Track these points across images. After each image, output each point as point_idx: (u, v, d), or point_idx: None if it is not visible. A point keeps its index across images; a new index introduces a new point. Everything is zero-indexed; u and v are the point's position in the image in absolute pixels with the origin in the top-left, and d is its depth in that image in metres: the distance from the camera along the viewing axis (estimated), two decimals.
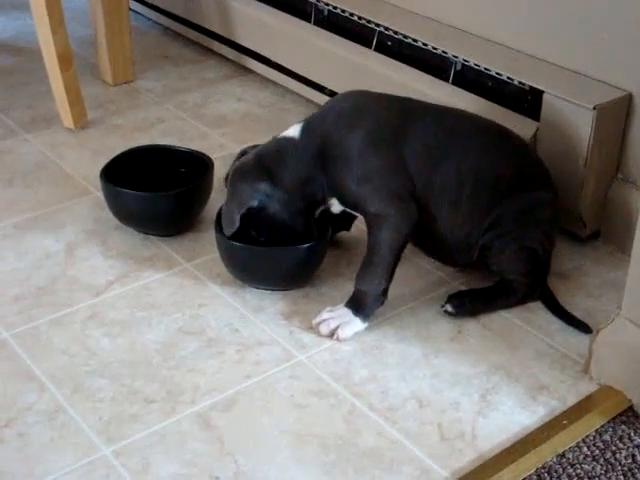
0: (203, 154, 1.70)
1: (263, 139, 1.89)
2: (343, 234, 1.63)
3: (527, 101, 1.63)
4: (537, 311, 1.48)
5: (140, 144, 1.87)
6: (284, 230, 1.47)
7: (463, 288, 1.52)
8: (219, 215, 1.51)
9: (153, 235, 1.64)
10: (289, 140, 1.45)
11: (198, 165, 1.68)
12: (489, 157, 1.43)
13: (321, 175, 1.43)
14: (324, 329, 1.41)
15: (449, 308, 1.45)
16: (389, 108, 1.45)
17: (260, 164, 1.45)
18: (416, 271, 1.56)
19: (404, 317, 1.46)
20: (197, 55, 2.38)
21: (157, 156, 1.71)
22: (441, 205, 1.41)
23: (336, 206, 1.46)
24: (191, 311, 1.47)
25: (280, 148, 1.45)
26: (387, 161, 1.39)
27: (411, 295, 1.51)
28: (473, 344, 1.41)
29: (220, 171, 1.73)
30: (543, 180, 1.47)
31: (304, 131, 1.45)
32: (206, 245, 1.60)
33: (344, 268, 1.58)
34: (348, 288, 1.47)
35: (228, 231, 1.44)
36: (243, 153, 1.59)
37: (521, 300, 1.48)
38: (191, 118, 2.06)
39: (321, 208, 1.47)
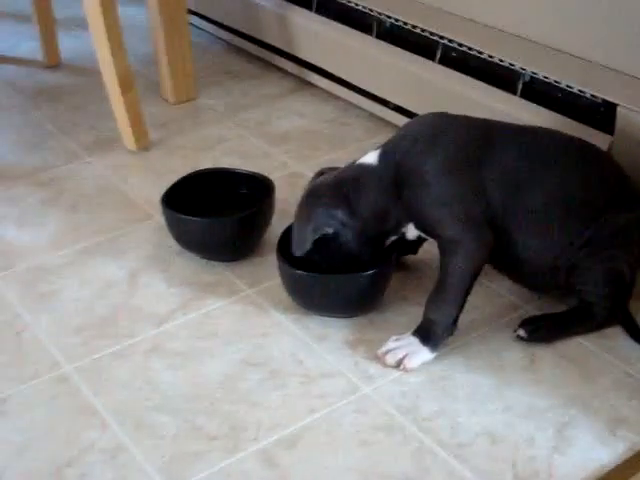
0: (264, 176, 1.66)
1: (325, 156, 1.85)
2: (409, 256, 1.58)
3: (600, 114, 1.55)
4: (616, 337, 1.41)
5: (202, 165, 1.86)
6: (349, 258, 1.42)
7: (537, 313, 1.45)
8: (282, 241, 1.47)
9: (215, 260, 1.61)
10: (367, 167, 1.41)
11: (259, 187, 1.65)
12: (577, 177, 1.37)
13: (397, 202, 1.38)
14: (390, 359, 1.36)
15: (522, 333, 1.39)
16: (468, 131, 1.39)
17: (339, 190, 1.41)
18: (486, 295, 1.50)
19: (474, 345, 1.41)
20: (259, 70, 2.35)
21: (218, 179, 1.69)
22: (527, 230, 1.35)
23: (412, 231, 1.41)
24: (254, 340, 1.43)
25: (358, 175, 1.41)
26: (465, 187, 1.34)
27: (481, 321, 1.45)
28: (547, 374, 1.34)
29: (282, 192, 1.70)
30: (634, 198, 1.40)
31: (382, 158, 1.40)
32: (268, 270, 1.56)
33: (410, 292, 1.52)
34: (414, 313, 1.42)
35: (298, 251, 1.40)
36: (321, 173, 1.54)
37: (600, 325, 1.41)
38: (253, 136, 2.03)
39: (392, 238, 1.43)
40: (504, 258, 1.40)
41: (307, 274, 1.41)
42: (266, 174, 1.69)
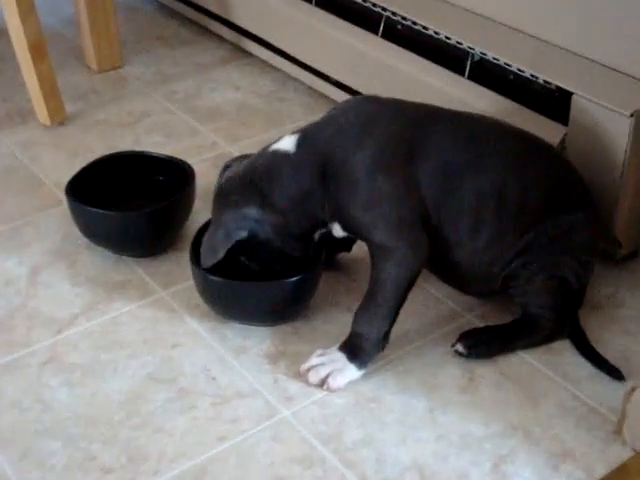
0: (184, 162, 1.50)
1: (259, 135, 1.70)
2: (343, 254, 1.43)
3: (554, 102, 1.40)
4: (563, 352, 1.28)
5: (121, 143, 1.71)
6: (278, 256, 1.27)
7: (478, 323, 1.32)
8: (196, 242, 1.32)
9: (127, 256, 1.45)
10: (283, 154, 1.25)
11: (179, 173, 1.49)
12: (516, 173, 1.22)
13: (321, 195, 1.23)
14: (313, 377, 1.22)
15: (460, 348, 1.26)
16: (400, 120, 1.23)
17: (248, 184, 1.25)
18: (423, 300, 1.36)
19: (407, 360, 1.27)
20: (193, 36, 2.16)
21: (133, 163, 1.52)
22: (459, 230, 1.21)
23: (338, 231, 1.26)
24: (163, 353, 1.28)
25: (272, 164, 1.25)
26: (397, 185, 1.19)
27: (417, 331, 1.31)
28: (487, 396, 1.21)
29: (208, 176, 1.54)
30: (580, 197, 1.26)
31: (301, 144, 1.24)
32: (186, 269, 1.39)
33: (342, 296, 1.38)
34: (345, 322, 1.28)
35: (207, 262, 1.25)
36: (227, 167, 1.38)
37: (547, 339, 1.28)
38: (181, 111, 1.86)
39: (321, 231, 1.28)
40: (438, 261, 1.25)
41: (223, 281, 1.26)
42: (193, 155, 1.54)
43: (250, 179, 1.25)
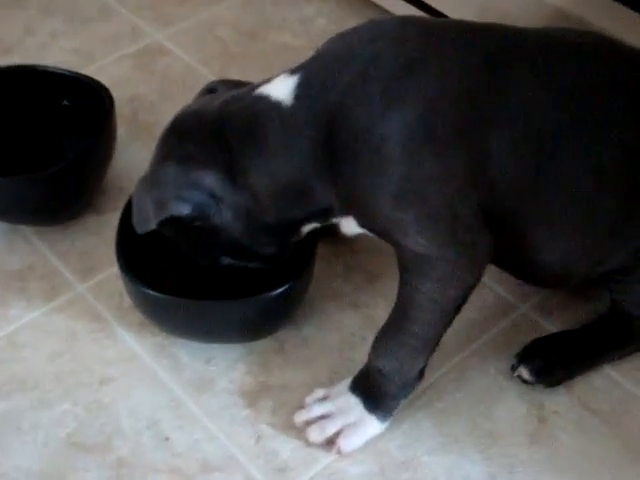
0: (98, 83, 1.02)
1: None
2: None
3: None
4: None
5: (6, 34, 1.21)
6: (235, 250, 0.84)
7: (538, 319, 0.92)
8: (125, 220, 0.88)
9: (26, 226, 1.01)
10: (272, 106, 0.79)
11: (90, 97, 1.02)
12: None
13: (327, 175, 0.78)
14: (316, 436, 0.82)
15: (525, 374, 0.87)
16: (460, 59, 0.77)
17: (215, 135, 0.80)
18: None
19: (447, 388, 0.87)
20: None
21: (23, 82, 1.04)
22: (558, 225, 0.79)
23: (350, 227, 0.83)
24: (88, 395, 0.87)
25: (254, 116, 0.79)
26: (453, 166, 0.75)
27: (456, 337, 0.91)
28: (568, 445, 0.83)
29: (130, 83, 1.08)
30: None
31: (300, 94, 0.78)
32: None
33: (341, 283, 0.97)
34: (348, 322, 0.89)
35: (140, 229, 0.82)
36: (209, 91, 0.91)
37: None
38: None
39: (314, 225, 0.84)
40: (508, 262, 0.84)
41: (167, 299, 0.83)
42: (106, 51, 1.06)
43: (219, 128, 0.80)
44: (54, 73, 1.03)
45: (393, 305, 0.81)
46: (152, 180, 0.81)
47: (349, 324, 0.92)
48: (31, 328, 0.92)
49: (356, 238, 0.94)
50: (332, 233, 0.89)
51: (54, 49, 1.23)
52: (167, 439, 0.83)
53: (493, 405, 0.86)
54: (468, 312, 0.92)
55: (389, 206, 0.75)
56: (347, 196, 0.78)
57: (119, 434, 0.84)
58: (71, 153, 1.03)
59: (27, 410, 0.85)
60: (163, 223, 0.80)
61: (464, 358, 0.90)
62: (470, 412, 0.86)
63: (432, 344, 0.81)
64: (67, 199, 0.97)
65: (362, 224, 0.80)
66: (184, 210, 0.79)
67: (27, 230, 1.00)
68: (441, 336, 0.81)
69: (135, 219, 0.82)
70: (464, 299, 0.79)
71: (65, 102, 1.04)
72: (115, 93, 1.02)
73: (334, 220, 0.82)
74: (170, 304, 0.83)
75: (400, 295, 0.80)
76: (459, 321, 0.87)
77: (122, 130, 1.07)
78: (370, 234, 0.81)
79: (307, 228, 0.84)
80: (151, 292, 0.83)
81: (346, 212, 0.80)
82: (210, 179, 0.79)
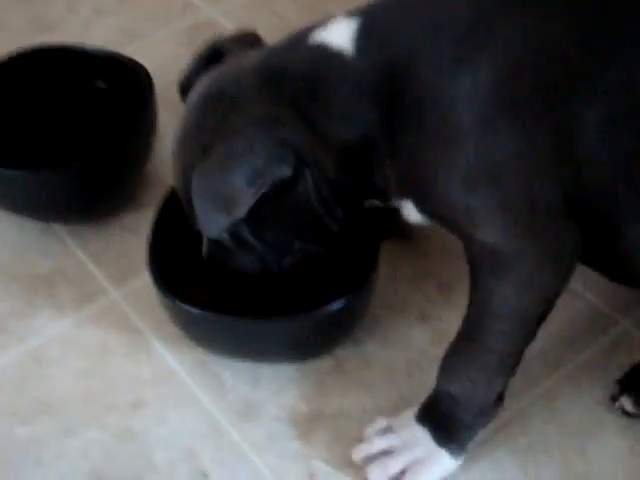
0: (135, 63, 0.91)
1: None
2: None
3: None
4: None
5: (49, 14, 1.11)
6: (304, 227, 0.72)
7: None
8: (160, 221, 0.76)
9: (59, 224, 0.90)
10: (332, 55, 0.67)
11: (128, 77, 0.91)
12: None
13: (383, 148, 0.66)
14: (377, 474, 0.70)
15: (628, 405, 0.73)
16: (548, 13, 0.62)
17: (277, 95, 0.68)
18: None
19: (533, 419, 0.74)
20: None
21: (57, 62, 0.94)
22: None
23: (410, 213, 0.70)
24: (117, 421, 0.76)
25: (315, 68, 0.67)
26: (535, 142, 0.62)
27: (543, 356, 0.78)
28: None
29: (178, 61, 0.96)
30: None
31: (361, 42, 0.66)
32: None
33: (408, 288, 0.84)
34: (416, 338, 0.76)
35: (214, 227, 0.68)
36: (216, 50, 0.79)
37: None
38: None
39: (374, 202, 0.72)
40: (601, 258, 0.70)
41: (207, 315, 0.71)
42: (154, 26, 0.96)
43: (277, 85, 0.68)
44: (86, 52, 0.92)
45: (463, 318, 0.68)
46: (231, 154, 0.67)
47: (418, 341, 0.79)
48: (58, 341, 0.82)
49: (427, 237, 0.81)
50: (398, 230, 0.77)
51: (98, 27, 1.13)
52: (205, 476, 0.72)
53: (589, 442, 0.72)
54: (557, 327, 0.79)
55: (455, 188, 0.63)
56: (405, 174, 0.65)
57: (151, 468, 0.73)
58: (108, 141, 0.92)
59: (50, 437, 0.75)
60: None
61: (554, 384, 0.76)
62: (561, 450, 0.72)
63: (511, 362, 0.68)
64: (102, 194, 0.86)
65: (422, 209, 0.67)
66: (285, 171, 0.66)
67: (60, 230, 0.90)
68: (522, 352, 0.68)
69: (206, 217, 0.68)
70: (549, 306, 0.66)
71: (100, 84, 0.93)
72: (161, 74, 0.91)
73: (392, 202, 0.69)
74: (210, 321, 0.71)
75: (471, 302, 0.67)
76: (546, 338, 0.74)
77: (167, 115, 0.96)
78: (433, 222, 0.69)
79: (369, 203, 0.72)
80: (188, 307, 0.72)
81: (403, 194, 0.67)
82: (295, 137, 0.66)
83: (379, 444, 0.71)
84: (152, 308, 0.83)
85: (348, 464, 0.72)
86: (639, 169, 0.62)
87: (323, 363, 0.78)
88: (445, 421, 0.70)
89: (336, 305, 0.71)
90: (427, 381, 0.74)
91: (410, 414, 0.72)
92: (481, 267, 0.66)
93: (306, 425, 0.75)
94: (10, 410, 0.76)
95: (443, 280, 0.83)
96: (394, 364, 0.78)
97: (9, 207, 0.87)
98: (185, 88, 0.78)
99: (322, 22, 0.70)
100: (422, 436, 0.70)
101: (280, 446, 0.73)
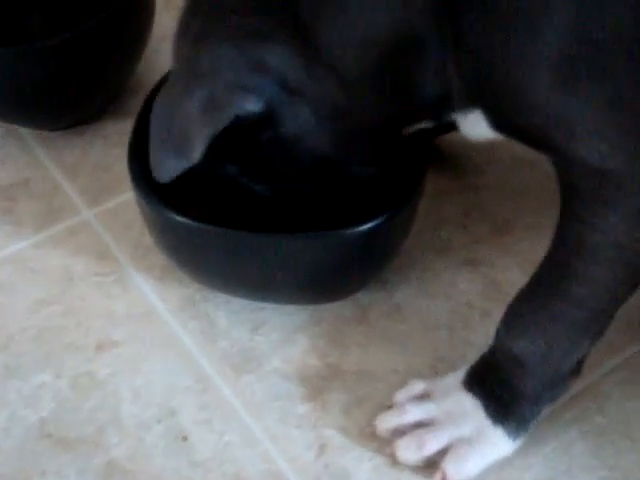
0: None
1: None
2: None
3: None
4: None
5: None
6: (314, 168, 0.55)
7: None
8: (142, 123, 0.60)
9: (25, 127, 0.74)
10: None
11: None
12: None
13: (440, 38, 0.49)
14: (409, 453, 0.54)
15: None
16: None
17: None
18: None
19: (611, 396, 0.58)
20: None
21: None
22: None
23: (476, 129, 0.53)
24: (77, 365, 0.60)
25: None
26: None
27: (627, 320, 0.61)
28: None
29: None
30: None
31: None
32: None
33: (457, 231, 0.68)
34: (466, 288, 0.60)
35: (166, 171, 0.53)
36: None
37: None
38: None
39: (419, 126, 0.55)
40: None
41: (199, 228, 0.55)
42: None
43: None
44: None
45: (542, 260, 0.52)
46: (190, 77, 0.52)
47: (463, 290, 0.63)
48: (12, 263, 0.65)
49: (479, 169, 0.65)
50: (441, 158, 0.60)
51: None
52: (185, 439, 0.56)
53: None
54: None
55: (545, 85, 0.46)
56: (474, 72, 0.48)
57: (116, 426, 0.56)
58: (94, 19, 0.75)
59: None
60: (213, 147, 0.51)
61: (637, 352, 0.60)
62: (625, 441, 0.56)
63: (604, 321, 0.51)
64: (81, 90, 0.70)
65: (497, 123, 0.50)
66: (252, 105, 0.50)
67: (27, 134, 0.74)
68: (617, 309, 0.51)
69: (157, 157, 0.53)
70: None
71: None
72: None
73: (450, 116, 0.53)
74: (202, 234, 0.55)
75: (561, 237, 0.50)
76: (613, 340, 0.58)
77: (167, 18, 0.79)
78: (513, 140, 0.52)
79: (412, 128, 0.55)
80: (179, 218, 0.55)
81: (472, 102, 0.50)
82: (279, 58, 0.50)
83: (414, 414, 0.54)
84: (131, 232, 0.67)
85: (369, 436, 0.56)
86: None
87: (342, 309, 0.62)
88: (503, 391, 0.53)
89: (364, 227, 0.54)
90: (475, 340, 0.59)
91: (455, 379, 0.55)
92: (579, 192, 0.49)
93: (318, 384, 0.58)
94: None
95: (497, 220, 0.67)
96: (432, 316, 0.62)
97: None
98: None
99: None
100: (471, 408, 0.54)
101: (283, 408, 0.57)
